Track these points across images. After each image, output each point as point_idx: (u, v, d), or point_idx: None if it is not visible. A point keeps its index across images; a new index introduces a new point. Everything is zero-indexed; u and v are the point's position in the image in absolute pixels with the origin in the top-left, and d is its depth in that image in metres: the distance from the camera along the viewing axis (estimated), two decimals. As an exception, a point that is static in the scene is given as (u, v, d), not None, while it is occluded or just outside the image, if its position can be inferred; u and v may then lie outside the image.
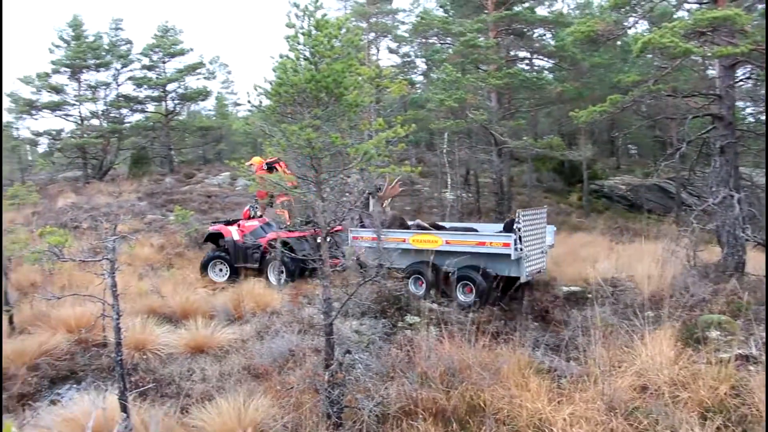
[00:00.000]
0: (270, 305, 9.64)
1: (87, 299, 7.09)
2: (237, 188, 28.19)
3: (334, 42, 5.15)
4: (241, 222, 13.19)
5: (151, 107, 35.75)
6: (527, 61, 29.79)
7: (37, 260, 7.22)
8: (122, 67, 33.78)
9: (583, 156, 25.43)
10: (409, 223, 12.35)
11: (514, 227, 10.36)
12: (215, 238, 13.38)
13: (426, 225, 12.14)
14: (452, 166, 23.43)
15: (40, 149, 37.08)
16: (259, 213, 13.36)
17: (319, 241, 11.67)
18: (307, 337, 7.82)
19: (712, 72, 20.67)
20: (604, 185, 30.71)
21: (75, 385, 6.89)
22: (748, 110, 20.39)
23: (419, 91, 32.07)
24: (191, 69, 34.26)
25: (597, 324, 6.92)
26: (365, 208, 11.50)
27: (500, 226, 12.00)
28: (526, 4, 24.91)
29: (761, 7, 12.84)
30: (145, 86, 34.09)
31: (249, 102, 5.47)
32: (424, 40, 31.38)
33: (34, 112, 31.64)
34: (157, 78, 33.89)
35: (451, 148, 23.11)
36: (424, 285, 11.02)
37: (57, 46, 31.76)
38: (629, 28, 14.57)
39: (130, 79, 33.94)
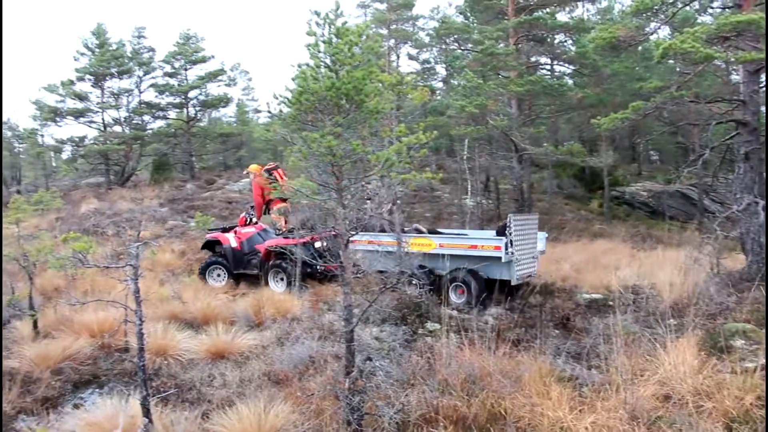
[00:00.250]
0: (290, 311, 9.65)
1: (109, 304, 7.16)
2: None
3: (354, 49, 5.17)
4: (237, 229, 13.20)
5: (172, 114, 36.08)
6: (548, 67, 29.69)
7: (62, 266, 7.29)
8: (144, 75, 34.13)
9: (604, 162, 25.26)
10: (407, 227, 12.42)
11: (506, 232, 10.72)
12: (212, 244, 13.43)
13: (423, 229, 12.27)
14: (472, 172, 23.37)
15: (64, 156, 37.51)
16: (255, 219, 13.37)
17: (318, 246, 11.85)
18: (327, 343, 7.82)
19: (735, 77, 20.49)
20: (625, 192, 30.47)
21: (98, 390, 6.94)
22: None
23: (439, 97, 32.06)
24: (212, 76, 34.52)
25: (619, 332, 6.86)
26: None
27: (493, 232, 12.19)
28: (547, 10, 24.81)
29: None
30: (167, 93, 34.40)
31: (269, 111, 5.51)
32: (444, 47, 31.38)
33: (58, 119, 32.06)
34: (178, 85, 34.19)
35: (472, 155, 23.05)
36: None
37: (81, 54, 32.18)
38: (651, 33, 14.47)
39: (152, 86, 34.27)
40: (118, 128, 33.37)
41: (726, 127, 14.89)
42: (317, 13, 5.17)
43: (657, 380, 5.86)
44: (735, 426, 5.02)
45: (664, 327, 6.91)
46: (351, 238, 11.59)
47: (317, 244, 11.95)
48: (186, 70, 34.53)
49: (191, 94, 34.61)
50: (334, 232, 12.20)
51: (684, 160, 28.71)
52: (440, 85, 38.74)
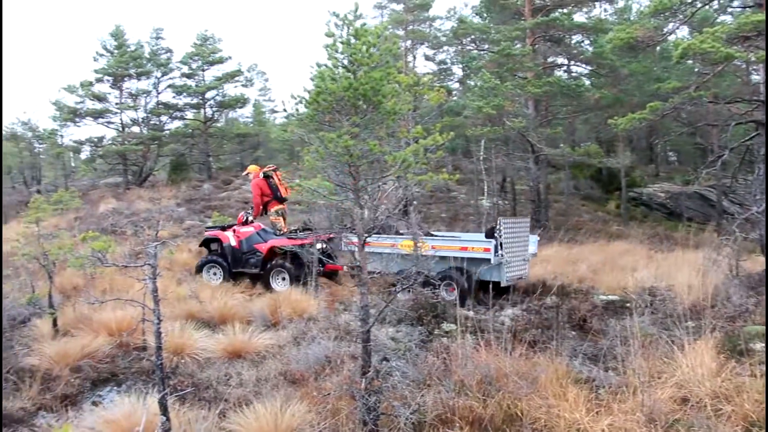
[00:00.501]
0: (306, 311, 9.68)
1: (128, 303, 7.21)
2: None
3: (372, 50, 5.18)
4: (236, 228, 13.29)
5: (190, 114, 36.30)
6: (564, 68, 29.56)
7: (81, 265, 7.37)
8: (162, 76, 34.35)
9: (622, 163, 25.13)
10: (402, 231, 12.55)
11: (495, 234, 10.97)
12: (209, 242, 13.54)
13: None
14: (489, 173, 23.31)
15: (83, 156, 37.85)
16: (251, 218, 13.48)
17: (319, 247, 12.00)
18: (343, 343, 7.83)
19: (756, 77, 20.31)
20: (642, 193, 30.26)
21: (116, 388, 7.00)
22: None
23: (456, 98, 32.01)
24: (229, 77, 34.68)
25: (636, 333, 6.81)
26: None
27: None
28: (564, 10, 24.71)
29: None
30: (185, 94, 34.60)
31: (285, 111, 5.54)
32: (460, 47, 31.33)
33: (77, 120, 32.38)
34: (196, 86, 34.38)
35: (488, 156, 23.00)
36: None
37: (100, 56, 32.47)
38: (669, 33, 14.38)
39: (169, 87, 34.50)
40: (136, 129, 33.63)
41: (746, 128, 14.78)
42: (336, 15, 5.19)
43: (674, 383, 5.82)
44: (755, 430, 4.97)
45: (681, 329, 6.87)
46: (346, 240, 11.93)
47: (318, 246, 12.06)
48: (203, 71, 34.72)
49: (208, 94, 34.78)
50: (332, 235, 12.51)
51: (702, 161, 28.43)
52: (456, 85, 38.70)
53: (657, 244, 19.06)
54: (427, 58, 38.72)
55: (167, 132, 34.65)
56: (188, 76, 34.81)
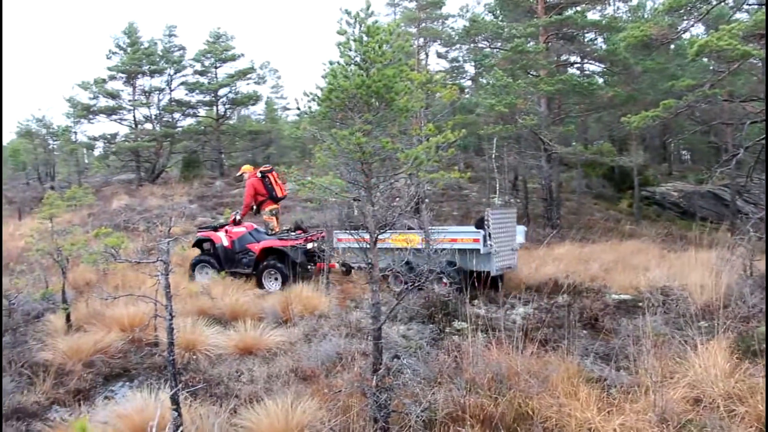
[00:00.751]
0: (318, 308, 9.70)
1: (140, 299, 7.25)
2: (286, 192, 28.47)
3: (384, 47, 5.18)
4: (228, 228, 13.34)
5: (202, 112, 36.49)
6: (577, 66, 29.43)
7: (94, 261, 7.42)
8: (175, 73, 34.55)
9: (634, 162, 24.99)
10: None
11: (484, 225, 11.12)
12: (202, 243, 13.56)
13: (411, 225, 12.44)
14: (501, 171, 23.27)
15: (96, 152, 38.16)
16: (238, 218, 13.53)
17: (309, 247, 12.15)
18: (354, 340, 7.84)
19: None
20: (655, 192, 30.10)
21: (128, 383, 7.04)
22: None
23: (468, 95, 31.96)
24: (242, 74, 34.81)
25: (648, 333, 6.78)
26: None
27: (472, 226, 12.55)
28: (577, 8, 24.59)
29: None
30: (197, 91, 34.78)
31: (298, 108, 5.53)
32: (473, 45, 31.25)
33: (91, 116, 32.64)
34: (208, 83, 34.54)
35: (500, 154, 22.96)
36: (403, 282, 11.35)
37: (114, 53, 32.70)
38: (684, 31, 14.29)
39: (182, 84, 34.68)
40: (149, 126, 33.85)
41: (760, 127, 14.67)
42: (348, 12, 5.19)
43: (687, 383, 5.78)
44: (768, 431, 4.94)
45: (694, 329, 6.82)
46: (338, 237, 12.18)
47: (309, 245, 12.44)
48: (216, 68, 34.88)
49: (221, 92, 34.96)
50: (323, 234, 12.85)
51: (716, 159, 28.26)
52: (469, 83, 38.64)
53: (670, 243, 18.93)
54: (440, 55, 38.70)
55: (180, 129, 34.85)
56: (201, 73, 34.98)
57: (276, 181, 13.53)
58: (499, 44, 26.35)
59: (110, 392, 6.76)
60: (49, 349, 7.53)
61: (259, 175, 13.48)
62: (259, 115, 45.56)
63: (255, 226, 13.61)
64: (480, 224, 11.54)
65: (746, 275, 10.50)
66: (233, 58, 34.71)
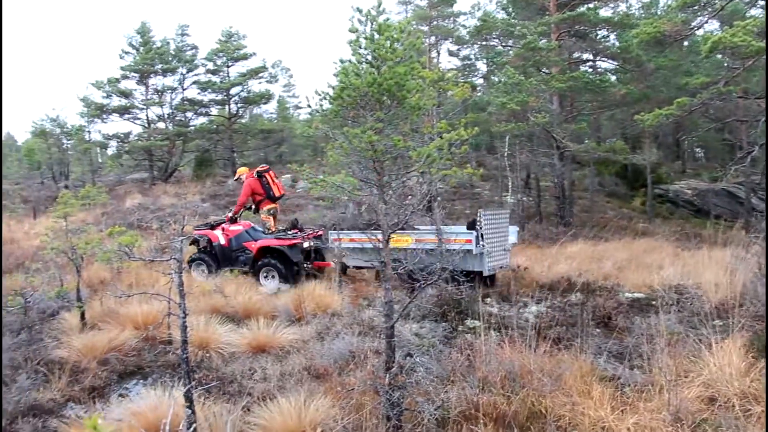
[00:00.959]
0: (330, 307, 9.71)
1: (153, 297, 7.28)
2: (298, 190, 28.59)
3: (396, 45, 5.17)
4: (225, 226, 13.47)
5: (214, 110, 36.64)
6: (590, 63, 29.30)
7: (108, 259, 7.47)
8: (188, 72, 34.72)
9: (647, 160, 24.85)
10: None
11: (476, 226, 11.25)
12: (196, 241, 13.71)
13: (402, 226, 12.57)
14: (513, 169, 23.20)
15: (110, 152, 38.42)
16: (230, 215, 13.70)
17: (305, 246, 12.25)
18: (367, 339, 7.85)
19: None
20: (669, 190, 29.91)
21: (142, 380, 7.07)
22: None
23: (480, 93, 31.90)
24: (254, 73, 34.92)
25: (662, 332, 6.73)
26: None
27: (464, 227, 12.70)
28: (590, 5, 24.47)
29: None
30: (210, 90, 34.93)
31: (309, 106, 5.54)
32: (485, 43, 31.21)
33: (104, 116, 32.85)
34: (220, 82, 34.67)
35: (512, 152, 22.89)
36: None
37: (127, 53, 32.89)
38: (698, 28, 14.19)
39: (195, 83, 34.84)
40: (161, 125, 34.06)
41: (776, 123, 14.53)
42: (359, 10, 5.19)
43: (702, 382, 5.74)
44: (784, 431, 4.89)
45: (709, 328, 6.78)
46: (333, 237, 12.39)
47: (305, 245, 12.52)
48: (228, 67, 35.01)
49: (233, 90, 35.09)
50: (320, 232, 13.11)
51: (731, 157, 28.03)
52: (481, 81, 38.58)
53: (683, 241, 18.79)
54: (451, 53, 38.68)
55: (192, 128, 35.02)
56: (213, 72, 35.12)
57: (273, 181, 13.61)
58: (511, 42, 26.27)
59: (124, 390, 6.80)
60: (65, 347, 7.59)
61: (255, 174, 13.57)
62: (271, 113, 45.77)
63: (252, 224, 13.76)
64: (472, 225, 11.67)
65: (761, 273, 10.41)
66: (245, 57, 34.83)
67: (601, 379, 6.15)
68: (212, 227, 13.66)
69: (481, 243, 11.22)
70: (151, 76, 33.23)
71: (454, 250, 11.08)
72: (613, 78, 25.71)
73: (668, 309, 9.12)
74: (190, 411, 4.78)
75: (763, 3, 15.08)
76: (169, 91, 34.37)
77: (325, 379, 6.58)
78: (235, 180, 15.14)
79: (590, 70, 28.72)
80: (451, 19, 35.93)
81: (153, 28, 34.30)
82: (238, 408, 5.67)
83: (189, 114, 35.30)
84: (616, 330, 8.72)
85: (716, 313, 8.64)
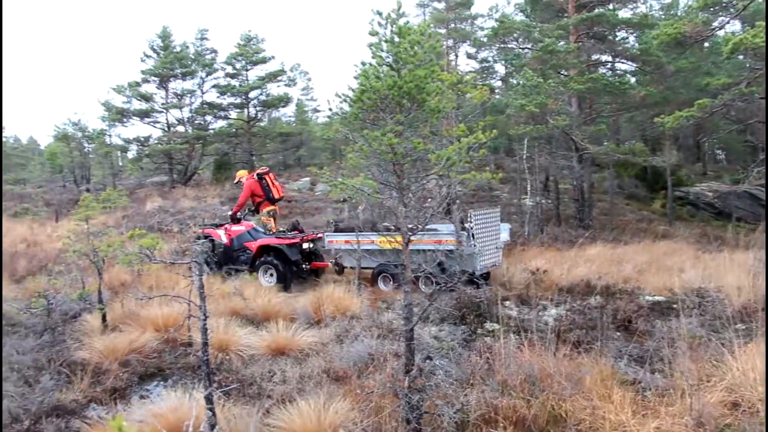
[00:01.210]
0: (349, 309, 9.73)
1: (174, 299, 7.33)
2: (317, 193, 28.68)
3: (416, 48, 5.18)
4: (227, 226, 13.88)
5: (233, 114, 36.89)
6: (609, 65, 29.09)
7: (129, 262, 7.53)
8: (207, 76, 34.96)
9: (667, 162, 24.62)
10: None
11: (466, 226, 11.43)
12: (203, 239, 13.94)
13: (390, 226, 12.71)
14: (532, 172, 23.09)
15: (130, 155, 38.72)
16: (230, 213, 14.23)
17: (305, 247, 12.43)
18: (386, 341, 7.85)
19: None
20: (689, 192, 29.59)
21: (162, 382, 7.12)
22: None
23: (498, 96, 31.82)
24: (273, 76, 35.07)
25: (683, 335, 6.67)
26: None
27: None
28: (609, 6, 24.31)
29: None
30: (229, 94, 35.11)
31: (330, 109, 5.56)
32: (503, 45, 31.14)
33: (125, 119, 33.15)
34: (239, 86, 34.85)
35: (531, 154, 22.78)
36: (390, 282, 12.03)
37: (148, 56, 33.16)
38: (719, 28, 14.04)
39: (214, 86, 35.08)
40: (181, 128, 34.28)
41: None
42: (379, 13, 5.21)
43: (724, 387, 5.67)
44: (809, 436, 4.83)
45: (731, 332, 6.71)
46: (329, 238, 12.63)
47: (305, 246, 12.96)
48: (247, 70, 35.19)
49: (252, 94, 35.25)
50: (319, 236, 13.34)
51: (753, 159, 27.74)
52: (499, 83, 38.46)
53: (704, 244, 18.59)
54: (469, 56, 38.59)
55: (211, 131, 35.22)
56: (232, 76, 35.31)
57: (273, 183, 14.05)
58: (530, 45, 26.16)
59: (145, 391, 6.85)
60: (86, 349, 7.67)
61: (256, 176, 13.82)
62: (290, 117, 45.93)
63: (254, 225, 14.06)
64: (463, 225, 11.80)
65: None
66: (264, 61, 34.99)
67: (622, 382, 6.11)
68: (216, 227, 14.08)
69: (471, 243, 11.37)
70: (171, 79, 33.49)
71: (446, 250, 11.22)
72: (633, 80, 25.50)
73: (689, 312, 9.04)
74: (210, 413, 4.81)
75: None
76: (189, 94, 34.63)
77: (345, 382, 6.59)
78: (235, 183, 15.47)
79: (609, 71, 28.55)
80: (469, 21, 35.88)
81: (174, 33, 34.62)
82: (258, 410, 5.69)
83: (208, 117, 35.52)
84: (637, 333, 8.65)
85: (739, 317, 8.54)
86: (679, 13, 29.19)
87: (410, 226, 5.58)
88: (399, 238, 11.00)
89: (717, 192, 28.72)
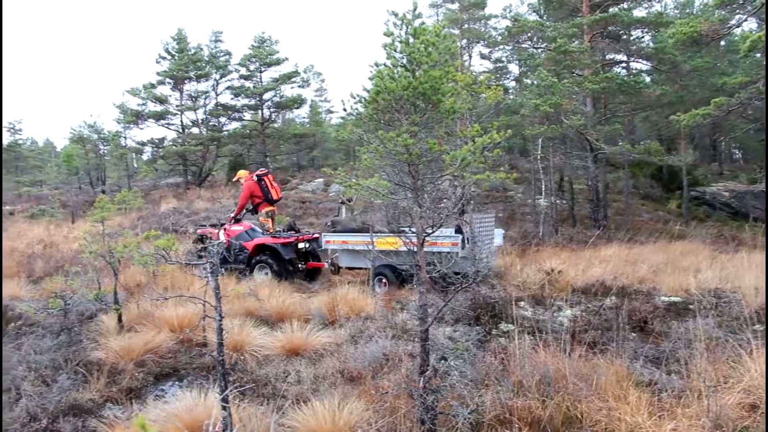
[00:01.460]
0: (364, 310, 9.73)
1: (189, 300, 7.36)
2: (330, 194, 28.71)
3: (431, 49, 5.18)
4: (226, 226, 14.21)
5: (247, 115, 37.02)
6: (623, 65, 28.93)
7: (144, 263, 7.59)
8: (221, 78, 35.14)
9: (683, 161, 24.43)
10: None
11: (462, 229, 11.58)
12: (203, 239, 14.45)
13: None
14: (546, 172, 23.01)
15: (145, 157, 39.00)
16: (231, 215, 14.50)
17: (301, 247, 12.58)
18: (400, 342, 7.84)
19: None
20: (705, 192, 29.38)
21: (177, 382, 7.15)
22: None
23: (512, 96, 31.72)
24: (286, 78, 35.18)
25: (700, 336, 6.62)
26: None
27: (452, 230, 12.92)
28: (624, 5, 24.17)
29: None
30: (243, 95, 35.28)
31: (344, 110, 5.56)
32: (517, 45, 31.05)
33: (140, 121, 33.37)
34: (253, 87, 35.00)
35: (545, 154, 22.70)
36: (386, 285, 12.10)
37: (163, 59, 33.37)
38: (736, 26, 13.92)
39: (228, 88, 35.26)
40: (195, 130, 34.48)
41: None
42: (394, 14, 5.20)
43: (742, 388, 5.61)
44: (829, 438, 4.77)
45: (749, 333, 6.64)
46: (326, 238, 12.80)
47: (300, 245, 13.28)
48: (261, 72, 35.34)
49: (266, 95, 35.39)
50: (316, 236, 13.63)
51: (770, 158, 27.46)
52: (513, 84, 38.36)
53: (721, 244, 18.44)
54: (483, 56, 38.52)
55: (226, 133, 35.39)
56: (246, 77, 35.47)
57: (272, 184, 14.30)
58: (544, 44, 26.07)
59: (161, 391, 6.88)
60: (103, 349, 7.71)
61: (255, 178, 14.00)
62: (304, 118, 46.06)
63: (252, 225, 14.39)
64: (459, 229, 11.90)
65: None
66: (278, 62, 35.11)
67: (638, 384, 6.06)
68: (215, 227, 14.50)
69: (467, 246, 11.46)
70: (186, 81, 33.69)
71: (441, 253, 11.33)
72: (648, 79, 25.34)
73: (706, 313, 8.97)
74: (226, 413, 4.83)
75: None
76: (203, 96, 34.82)
77: (359, 383, 6.58)
78: (235, 181, 15.69)
79: (624, 71, 28.39)
80: (482, 21, 35.79)
81: (188, 35, 34.83)
82: (272, 410, 5.70)
83: (222, 119, 35.70)
84: (653, 334, 8.60)
85: (756, 318, 8.47)
86: (694, 11, 28.99)
87: (425, 226, 5.57)
88: (393, 239, 11.09)
89: (733, 192, 28.50)
